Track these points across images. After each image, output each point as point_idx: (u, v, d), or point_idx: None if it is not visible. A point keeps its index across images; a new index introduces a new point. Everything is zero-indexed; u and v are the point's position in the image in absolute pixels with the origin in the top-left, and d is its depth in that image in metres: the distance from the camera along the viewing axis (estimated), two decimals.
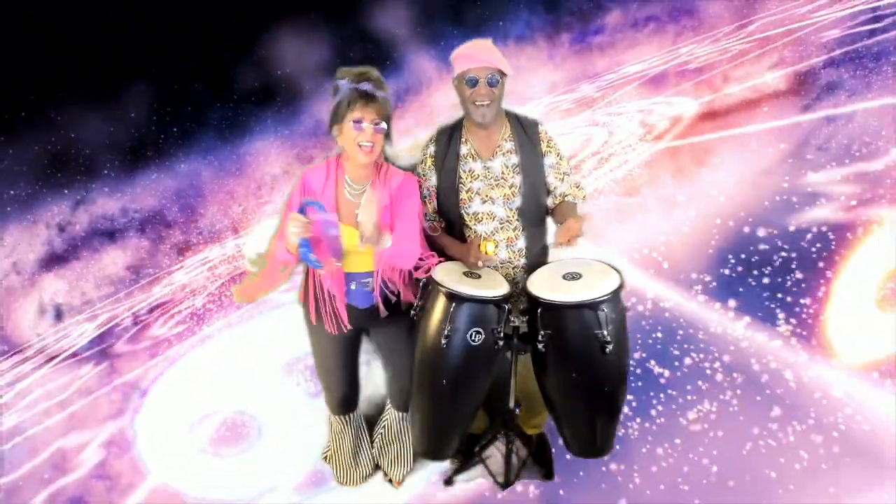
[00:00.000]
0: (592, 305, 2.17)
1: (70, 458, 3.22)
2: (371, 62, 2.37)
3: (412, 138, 2.63)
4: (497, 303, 2.26)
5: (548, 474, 2.75)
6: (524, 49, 4.26)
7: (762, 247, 3.89)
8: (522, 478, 2.72)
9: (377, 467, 2.92)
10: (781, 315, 3.53)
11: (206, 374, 3.93)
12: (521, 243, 2.52)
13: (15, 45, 4.20)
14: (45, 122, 4.51)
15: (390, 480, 2.85)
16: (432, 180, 2.51)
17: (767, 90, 4.91)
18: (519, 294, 2.49)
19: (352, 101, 2.19)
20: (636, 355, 3.31)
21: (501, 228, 2.50)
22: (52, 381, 4.07)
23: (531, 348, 2.31)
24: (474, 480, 2.75)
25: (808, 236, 3.86)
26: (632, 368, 2.95)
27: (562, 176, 2.53)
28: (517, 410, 2.59)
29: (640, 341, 3.44)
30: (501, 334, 2.24)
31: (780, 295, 3.61)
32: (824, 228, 3.88)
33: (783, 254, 3.82)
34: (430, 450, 2.49)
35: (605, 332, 2.15)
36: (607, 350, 2.15)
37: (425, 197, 2.49)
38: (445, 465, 2.80)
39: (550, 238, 2.59)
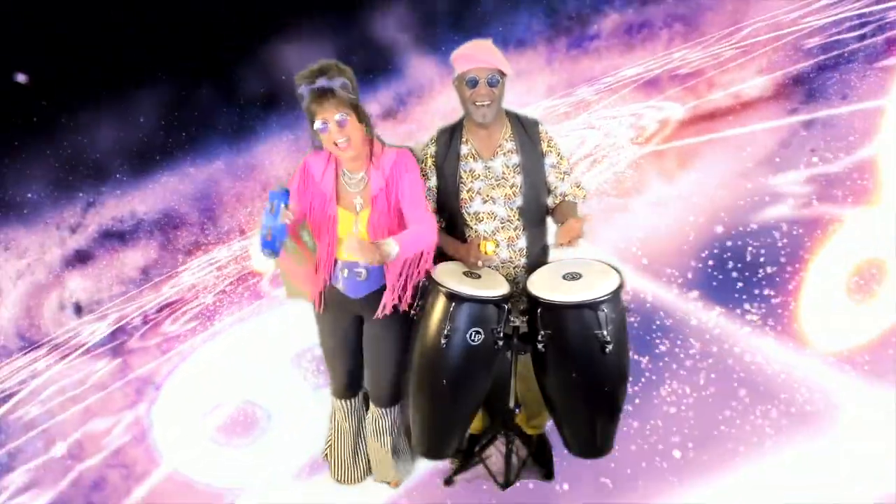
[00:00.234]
0: (592, 305, 2.08)
1: (89, 447, 3.25)
2: (373, 67, 2.26)
3: (414, 142, 2.52)
4: (497, 303, 2.16)
5: (548, 474, 2.63)
6: (524, 53, 4.20)
7: (736, 243, 3.98)
8: (522, 478, 2.60)
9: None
10: (749, 305, 3.60)
11: (217, 368, 3.94)
12: (522, 243, 2.42)
13: (30, 54, 4.14)
14: (57, 127, 4.44)
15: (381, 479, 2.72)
16: (433, 180, 2.41)
17: (753, 95, 4.92)
18: (519, 294, 2.38)
19: (310, 104, 2.07)
20: None
21: (502, 228, 2.40)
22: (68, 377, 4.08)
23: (531, 348, 2.21)
24: (474, 480, 2.64)
25: (777, 233, 3.97)
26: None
27: (562, 175, 2.43)
28: (517, 410, 2.48)
29: None
30: (501, 334, 2.15)
31: (749, 287, 3.69)
32: (789, 226, 4.00)
33: (751, 249, 3.90)
34: (430, 450, 2.38)
35: (605, 332, 2.06)
36: (607, 350, 2.06)
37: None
38: (445, 465, 2.69)
39: (551, 238, 2.48)
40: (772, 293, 3.61)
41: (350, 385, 2.58)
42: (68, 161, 4.57)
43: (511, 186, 2.37)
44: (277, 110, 4.40)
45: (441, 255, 2.39)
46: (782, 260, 3.80)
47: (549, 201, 2.45)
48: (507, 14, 4.09)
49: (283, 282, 2.41)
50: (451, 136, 2.40)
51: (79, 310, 4.96)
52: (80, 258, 4.85)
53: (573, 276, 2.20)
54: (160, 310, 4.92)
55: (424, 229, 2.16)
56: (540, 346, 2.13)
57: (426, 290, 2.25)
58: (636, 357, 3.28)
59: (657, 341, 3.41)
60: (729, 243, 3.98)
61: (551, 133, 2.43)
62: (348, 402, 2.61)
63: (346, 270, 2.29)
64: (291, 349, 3.74)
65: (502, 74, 2.28)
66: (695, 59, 5.16)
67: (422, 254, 2.23)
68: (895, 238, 3.71)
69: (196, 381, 3.80)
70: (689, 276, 3.86)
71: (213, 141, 4.54)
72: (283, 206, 2.00)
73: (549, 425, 2.61)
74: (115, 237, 4.82)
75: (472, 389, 2.24)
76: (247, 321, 4.45)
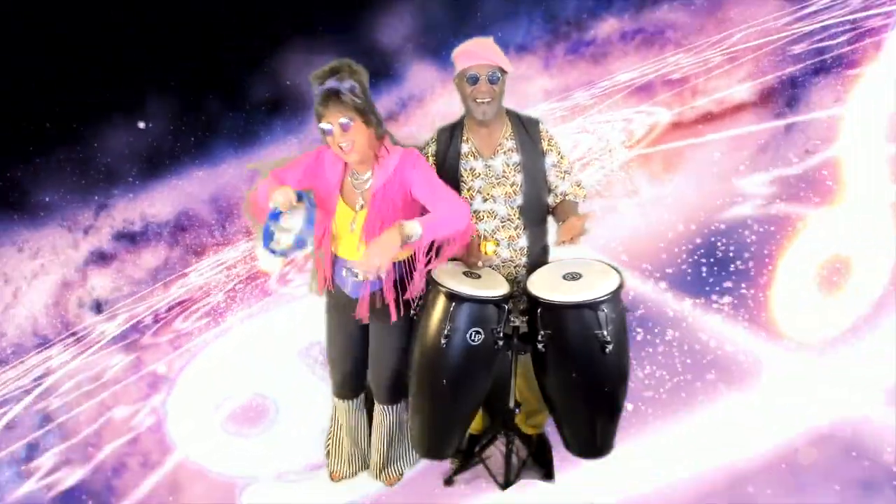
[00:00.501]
0: (592, 305, 1.96)
1: (107, 436, 3.25)
2: (375, 73, 2.13)
3: (413, 143, 2.41)
4: (497, 303, 2.04)
5: (548, 474, 2.49)
6: (523, 58, 4.13)
7: (709, 239, 4.02)
8: (522, 478, 2.46)
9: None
10: (718, 297, 3.63)
11: (228, 362, 3.92)
12: (523, 242, 2.29)
13: (44, 63, 4.08)
14: (70, 133, 4.38)
15: (381, 478, 2.58)
16: None
17: (739, 100, 4.95)
18: (519, 294, 2.26)
19: (317, 106, 1.95)
20: None
21: (503, 227, 2.27)
22: (84, 372, 4.05)
23: (531, 348, 2.09)
24: (474, 480, 2.51)
25: (747, 231, 4.01)
26: None
27: (563, 174, 2.31)
28: (517, 410, 2.35)
29: None
30: (501, 334, 2.03)
31: (719, 280, 3.73)
32: (760, 224, 4.05)
33: (721, 246, 3.95)
34: (430, 450, 2.26)
35: (605, 332, 1.94)
36: (607, 350, 1.94)
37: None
38: (445, 465, 2.55)
39: (552, 237, 2.36)
40: (743, 286, 3.63)
41: (350, 386, 2.45)
42: (81, 166, 4.51)
43: (511, 185, 2.25)
44: (282, 115, 4.33)
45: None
46: (751, 255, 3.83)
47: (550, 200, 2.33)
48: (506, 19, 4.01)
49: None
50: (451, 135, 2.28)
51: (93, 308, 4.89)
52: (93, 259, 4.79)
53: (573, 276, 2.08)
54: (171, 308, 4.89)
55: (450, 210, 1.98)
56: (540, 346, 2.02)
57: (426, 290, 2.13)
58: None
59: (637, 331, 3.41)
60: (699, 240, 4.03)
61: (552, 132, 2.32)
62: (348, 403, 2.49)
63: (345, 270, 2.17)
64: (298, 344, 3.69)
65: (503, 72, 2.16)
66: (686, 64, 5.11)
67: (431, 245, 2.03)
68: (859, 235, 3.78)
69: (207, 375, 3.77)
70: (669, 270, 3.87)
71: (220, 146, 4.48)
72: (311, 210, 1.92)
73: (550, 425, 2.48)
74: (127, 239, 4.75)
75: (472, 389, 2.12)
76: (255, 318, 4.41)
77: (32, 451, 3.27)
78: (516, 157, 2.24)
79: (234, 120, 4.39)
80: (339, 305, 2.26)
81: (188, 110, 4.34)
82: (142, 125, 4.44)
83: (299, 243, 1.96)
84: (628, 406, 2.76)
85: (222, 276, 5.13)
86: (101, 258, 4.74)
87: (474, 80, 2.13)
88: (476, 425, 2.56)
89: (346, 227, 2.10)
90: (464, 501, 2.45)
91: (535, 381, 2.19)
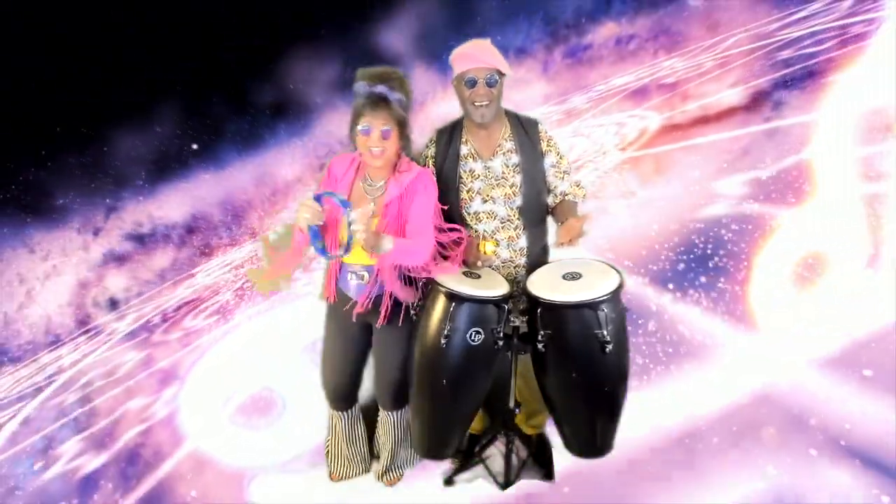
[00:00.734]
0: (592, 305, 1.89)
1: (123, 427, 3.26)
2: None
3: (413, 147, 2.33)
4: (497, 303, 1.97)
5: (548, 474, 2.40)
6: (523, 62, 4.05)
7: (690, 237, 4.02)
8: (522, 478, 2.37)
9: (375, 460, 2.57)
10: (695, 292, 3.66)
11: (236, 358, 3.87)
12: (523, 242, 2.21)
13: (56, 68, 4.02)
14: (79, 137, 4.31)
15: (382, 479, 2.49)
16: None
17: (726, 105, 4.95)
18: (519, 294, 2.17)
19: (362, 106, 1.92)
20: None
21: (502, 228, 2.19)
22: (96, 369, 3.96)
23: (531, 348, 2.01)
24: (474, 480, 2.41)
25: (724, 230, 4.02)
26: None
27: (562, 175, 2.22)
28: (517, 410, 2.26)
29: None
30: (501, 334, 1.96)
31: (697, 276, 3.76)
32: (740, 222, 4.06)
33: (700, 244, 3.98)
34: (430, 450, 2.17)
35: (605, 332, 1.87)
36: (607, 350, 1.88)
37: None
38: (445, 465, 2.46)
39: (551, 238, 2.27)
40: (722, 280, 3.67)
41: (344, 398, 2.37)
42: (90, 169, 4.44)
43: (511, 186, 2.16)
44: (286, 119, 4.23)
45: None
46: (728, 252, 3.86)
47: (549, 201, 2.24)
48: (505, 23, 3.92)
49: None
50: (450, 137, 2.19)
51: (104, 308, 4.83)
52: (104, 260, 4.71)
53: (573, 276, 2.01)
54: (180, 307, 4.83)
55: (423, 246, 1.97)
56: (540, 346, 1.94)
57: (426, 290, 2.07)
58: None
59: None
60: (677, 238, 4.01)
61: (551, 133, 2.23)
62: (344, 414, 2.40)
63: (351, 275, 2.09)
64: (303, 340, 3.61)
65: (501, 74, 2.08)
66: (680, 69, 5.07)
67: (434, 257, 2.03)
68: (832, 232, 3.86)
69: (217, 370, 3.73)
70: (653, 267, 3.88)
71: (226, 149, 4.39)
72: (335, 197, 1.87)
73: (550, 425, 2.39)
74: (136, 240, 4.67)
75: (472, 389, 2.04)
76: (262, 315, 4.23)
77: (49, 443, 3.24)
78: (515, 158, 2.15)
79: (239, 124, 4.30)
80: (341, 310, 2.17)
81: (194, 115, 4.25)
82: (150, 129, 4.37)
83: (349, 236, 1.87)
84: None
85: (230, 275, 5.08)
86: (111, 259, 4.66)
87: (472, 84, 2.05)
88: (476, 425, 2.48)
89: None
90: (464, 501, 2.37)
91: (535, 381, 2.11)
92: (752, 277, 3.67)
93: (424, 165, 2.21)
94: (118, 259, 4.76)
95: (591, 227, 2.10)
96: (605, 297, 1.90)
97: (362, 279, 2.07)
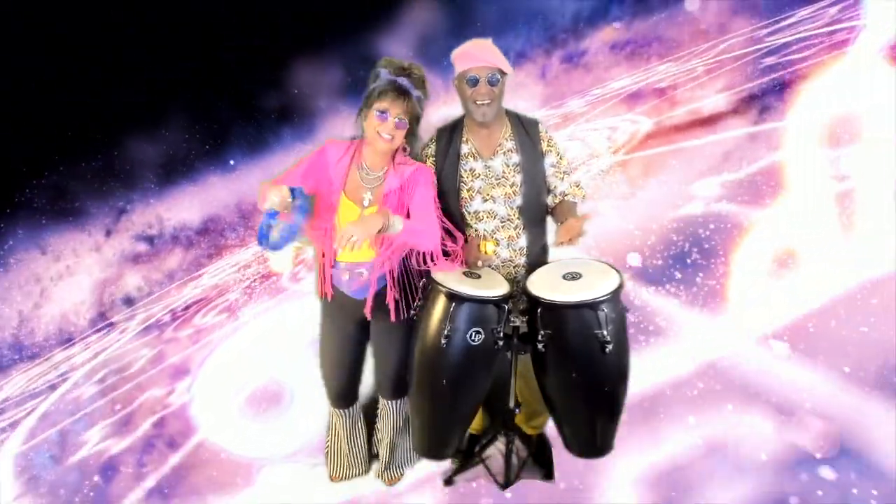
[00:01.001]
0: (592, 305, 1.79)
1: (137, 420, 3.22)
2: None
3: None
4: (497, 303, 1.87)
5: (548, 474, 2.29)
6: (522, 66, 3.99)
7: (670, 236, 4.08)
8: (522, 478, 2.26)
9: (375, 460, 2.47)
10: (672, 286, 3.68)
11: (245, 353, 3.88)
12: (523, 242, 2.11)
13: (69, 75, 3.97)
14: (91, 142, 4.26)
15: (382, 477, 2.39)
16: None
17: (713, 110, 4.94)
18: (519, 294, 2.07)
19: (384, 91, 1.83)
20: None
21: (503, 227, 2.09)
22: (108, 367, 3.98)
23: (531, 348, 1.91)
24: (474, 480, 2.31)
25: (702, 229, 4.06)
26: None
27: (562, 175, 2.12)
28: (517, 410, 2.16)
29: None
30: (501, 334, 1.86)
31: (675, 272, 3.78)
32: (717, 221, 4.12)
33: (679, 242, 4.01)
34: (429, 450, 2.06)
35: (605, 332, 1.77)
36: (607, 350, 1.78)
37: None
38: (445, 465, 2.36)
39: (551, 237, 2.18)
40: (701, 276, 3.69)
41: (345, 396, 2.25)
42: (101, 173, 4.39)
43: (511, 185, 2.06)
44: (291, 123, 4.17)
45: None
46: (704, 250, 3.91)
47: (549, 201, 2.14)
48: (505, 29, 3.86)
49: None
50: (450, 136, 2.09)
51: (116, 307, 4.77)
52: (115, 261, 4.66)
53: (573, 276, 1.91)
54: (189, 306, 4.78)
55: (430, 229, 1.90)
56: (540, 346, 1.84)
57: (426, 290, 1.96)
58: None
59: None
60: (653, 238, 4.09)
61: (551, 133, 2.13)
62: (345, 412, 2.29)
63: (347, 274, 1.99)
64: (309, 336, 3.62)
65: (502, 73, 1.98)
66: (670, 75, 5.01)
67: (423, 256, 1.92)
68: (803, 230, 3.89)
69: (226, 366, 3.72)
70: (636, 264, 3.92)
71: (233, 152, 4.34)
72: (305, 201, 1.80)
73: (550, 425, 2.29)
74: (146, 241, 4.61)
75: (472, 389, 1.94)
76: (269, 312, 4.33)
77: (66, 436, 3.20)
78: (516, 158, 2.05)
79: (245, 128, 4.24)
80: (337, 306, 2.07)
81: (201, 119, 4.20)
82: (159, 133, 4.32)
83: (290, 231, 1.81)
84: None
85: (238, 275, 5.03)
86: (122, 260, 4.61)
87: (474, 82, 1.96)
88: (476, 425, 2.37)
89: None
90: (464, 501, 2.27)
91: (535, 381, 2.00)
92: (729, 272, 3.72)
93: (424, 163, 2.12)
94: (129, 260, 4.71)
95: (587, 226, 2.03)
96: (605, 297, 1.80)
97: (360, 276, 1.97)
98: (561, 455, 2.23)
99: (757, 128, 4.75)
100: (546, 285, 1.90)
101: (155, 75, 4.05)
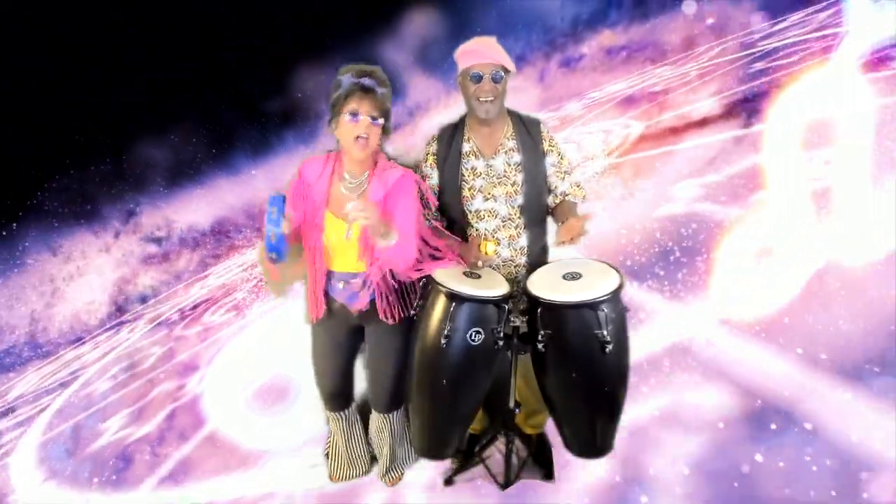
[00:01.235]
0: (592, 305, 1.72)
1: (149, 413, 3.21)
2: None
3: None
4: (497, 303, 1.80)
5: (548, 474, 2.21)
6: (521, 70, 3.94)
7: (655, 235, 4.06)
8: (522, 478, 2.18)
9: (374, 461, 2.39)
10: (655, 282, 3.68)
11: (251, 350, 3.88)
12: (523, 241, 2.03)
13: (80, 81, 3.93)
14: (100, 146, 4.21)
15: (384, 480, 2.31)
16: (434, 178, 2.03)
17: (704, 113, 4.90)
18: (519, 294, 2.00)
19: (350, 93, 1.75)
20: None
21: (503, 226, 2.01)
22: (119, 364, 3.95)
23: (531, 348, 1.84)
24: (474, 480, 2.24)
25: (684, 228, 4.06)
26: None
27: (563, 175, 2.05)
28: (517, 410, 2.08)
29: None
30: (501, 334, 1.79)
31: (658, 269, 3.78)
32: (699, 221, 4.11)
33: (662, 241, 3.99)
34: (429, 450, 1.99)
35: (605, 332, 1.70)
36: (607, 350, 1.71)
37: (423, 196, 1.98)
38: (445, 465, 2.28)
39: (551, 237, 2.10)
40: (685, 272, 3.69)
41: (339, 399, 2.17)
42: (111, 176, 4.34)
43: (512, 185, 1.98)
44: (294, 126, 4.12)
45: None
46: (687, 247, 3.90)
47: (550, 200, 2.07)
48: (504, 33, 3.81)
49: (268, 283, 2.00)
50: (452, 134, 2.01)
51: (126, 306, 4.72)
52: (125, 262, 4.61)
53: (573, 276, 1.83)
54: (197, 305, 4.73)
55: (404, 253, 1.80)
56: (540, 346, 1.77)
57: (426, 290, 1.89)
58: None
59: None
60: (639, 237, 4.08)
61: (552, 133, 2.06)
62: (340, 414, 2.21)
63: (342, 283, 1.90)
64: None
65: (506, 70, 1.91)
66: (662, 79, 4.96)
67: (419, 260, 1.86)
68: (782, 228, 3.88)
69: (234, 362, 3.70)
70: (624, 261, 3.89)
71: (238, 155, 4.29)
72: (281, 213, 1.68)
73: (550, 425, 2.21)
74: (154, 242, 4.56)
75: (472, 389, 1.86)
76: (275, 310, 4.29)
77: (79, 431, 3.18)
78: (517, 157, 1.98)
79: (250, 131, 4.19)
80: (334, 316, 1.96)
81: (207, 123, 4.14)
82: (166, 137, 4.26)
83: (278, 237, 1.71)
84: None
85: (245, 274, 4.98)
86: (131, 261, 4.56)
87: (478, 79, 1.88)
88: (476, 425, 2.29)
89: (340, 239, 1.82)
90: (464, 501, 2.19)
91: (535, 381, 1.93)
92: (713, 269, 3.74)
93: (425, 161, 2.04)
94: (138, 261, 4.66)
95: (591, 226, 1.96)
96: (605, 297, 1.73)
97: (356, 286, 1.89)
98: (561, 455, 2.16)
99: (745, 131, 4.71)
100: (546, 285, 1.83)
101: (163, 81, 4.01)
